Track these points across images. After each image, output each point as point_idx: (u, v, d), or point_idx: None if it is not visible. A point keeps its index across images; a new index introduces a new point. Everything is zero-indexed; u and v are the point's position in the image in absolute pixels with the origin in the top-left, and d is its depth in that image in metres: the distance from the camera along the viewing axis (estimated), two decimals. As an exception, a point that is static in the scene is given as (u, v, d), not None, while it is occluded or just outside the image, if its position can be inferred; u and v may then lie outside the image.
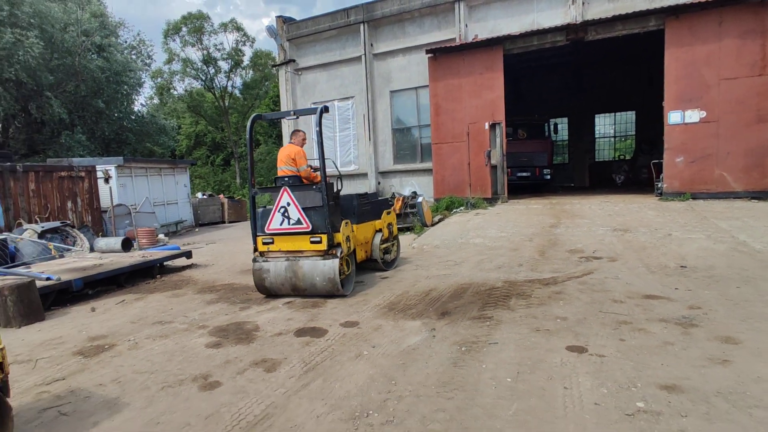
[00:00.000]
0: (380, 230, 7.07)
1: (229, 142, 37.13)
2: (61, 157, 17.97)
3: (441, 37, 14.21)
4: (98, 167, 12.84)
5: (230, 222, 20.38)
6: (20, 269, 7.12)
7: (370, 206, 6.95)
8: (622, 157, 22.97)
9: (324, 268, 5.47)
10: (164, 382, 3.51)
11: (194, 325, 4.99)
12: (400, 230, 11.77)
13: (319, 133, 5.65)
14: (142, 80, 29.40)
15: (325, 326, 4.63)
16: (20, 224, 9.57)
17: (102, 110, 22.47)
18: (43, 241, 8.97)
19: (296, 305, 5.50)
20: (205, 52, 34.71)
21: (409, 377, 3.32)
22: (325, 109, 5.81)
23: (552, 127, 18.82)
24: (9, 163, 10.50)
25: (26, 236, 8.89)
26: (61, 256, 8.82)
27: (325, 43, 16.16)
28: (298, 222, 5.53)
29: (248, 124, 6.13)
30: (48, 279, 6.24)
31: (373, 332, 4.38)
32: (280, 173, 6.09)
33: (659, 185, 11.91)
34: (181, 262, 9.17)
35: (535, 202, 13.14)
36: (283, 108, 17.31)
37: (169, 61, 33.58)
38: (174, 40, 33.55)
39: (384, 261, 7.12)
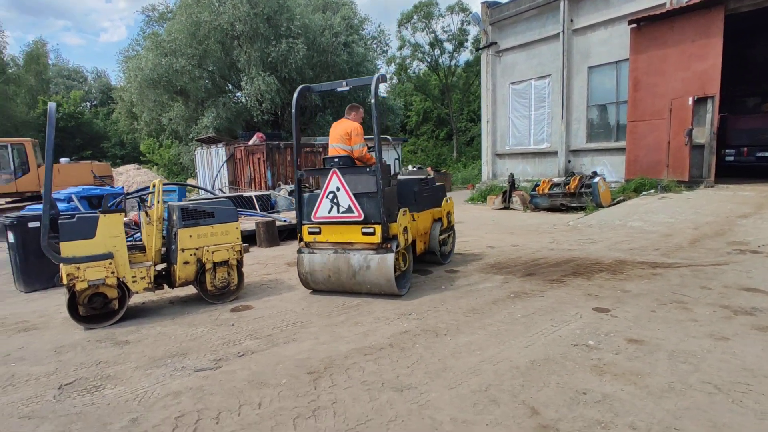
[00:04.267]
0: (439, 219, 6.49)
1: (451, 119, 39.87)
2: (316, 135, 23.47)
3: (649, 3, 13.07)
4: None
5: (434, 192, 23.06)
6: (273, 214, 10.83)
7: (430, 192, 6.34)
8: None
9: (377, 264, 4.82)
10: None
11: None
12: (572, 209, 12.07)
13: (376, 106, 4.78)
14: (379, 67, 34.52)
15: (434, 270, 6.26)
16: (279, 185, 13.88)
17: (345, 95, 27.75)
18: (290, 197, 12.92)
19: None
20: (432, 35, 37.96)
21: (454, 303, 4.74)
22: (382, 78, 4.97)
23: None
24: (276, 142, 15.07)
25: (281, 193, 12.98)
26: (300, 208, 12.59)
27: (525, 23, 16.59)
28: (349, 210, 4.90)
29: (294, 95, 5.27)
30: (284, 221, 9.54)
31: (461, 277, 5.81)
32: (331, 152, 5.44)
33: None
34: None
35: (751, 189, 11.31)
36: (483, 89, 18.58)
37: (400, 48, 38.03)
38: (406, 28, 37.78)
39: (441, 253, 6.51)
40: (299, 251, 5.31)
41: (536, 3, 15.88)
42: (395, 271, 4.89)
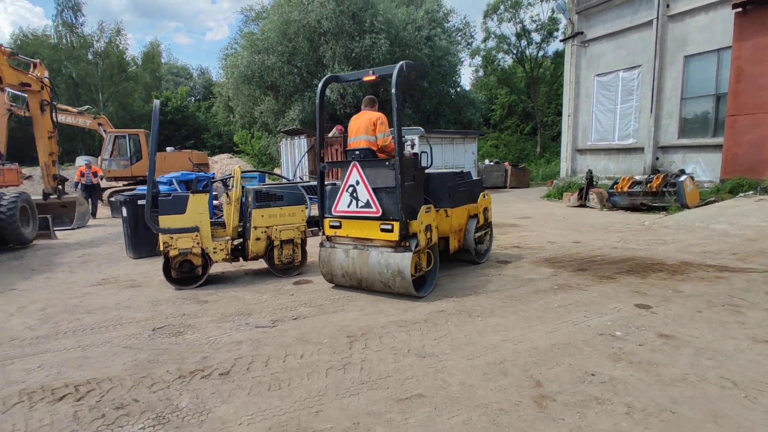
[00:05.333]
0: (475, 216, 6.17)
1: (536, 112, 38.42)
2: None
3: (759, -15, 11.80)
4: (406, 137, 17.26)
5: (511, 187, 22.63)
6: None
7: (465, 187, 6.04)
8: None
9: (393, 263, 4.58)
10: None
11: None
12: (654, 209, 11.41)
13: (397, 97, 4.45)
14: (462, 59, 34.24)
15: (489, 262, 6.45)
16: (354, 175, 14.59)
17: (425, 89, 28.01)
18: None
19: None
20: (519, 25, 36.76)
21: (496, 290, 4.96)
22: (406, 66, 4.58)
23: None
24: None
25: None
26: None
27: (615, 10, 15.69)
28: (367, 205, 4.70)
29: (320, 86, 5.18)
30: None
31: (511, 268, 5.97)
32: (352, 145, 5.19)
33: None
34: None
35: None
36: (566, 81, 17.88)
37: (485, 40, 37.31)
38: (492, 19, 36.94)
39: (477, 252, 6.19)
40: (321, 245, 5.20)
41: (628, -11, 14.96)
42: (416, 272, 4.68)
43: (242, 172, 5.88)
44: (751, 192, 11.13)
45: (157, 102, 5.12)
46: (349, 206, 4.86)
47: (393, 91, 4.44)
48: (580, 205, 13.62)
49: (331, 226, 5.07)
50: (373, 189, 4.69)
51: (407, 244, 4.60)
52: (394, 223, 4.56)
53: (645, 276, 5.47)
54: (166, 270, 5.32)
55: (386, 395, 2.81)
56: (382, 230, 4.64)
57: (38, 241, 9.07)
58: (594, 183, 14.02)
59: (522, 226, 9.96)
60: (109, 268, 6.73)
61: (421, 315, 4.24)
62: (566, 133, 17.85)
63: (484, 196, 6.42)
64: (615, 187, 12.65)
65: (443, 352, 3.42)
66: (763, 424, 2.44)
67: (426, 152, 5.36)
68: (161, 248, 5.20)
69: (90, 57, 37.47)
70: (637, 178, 12.65)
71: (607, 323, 3.90)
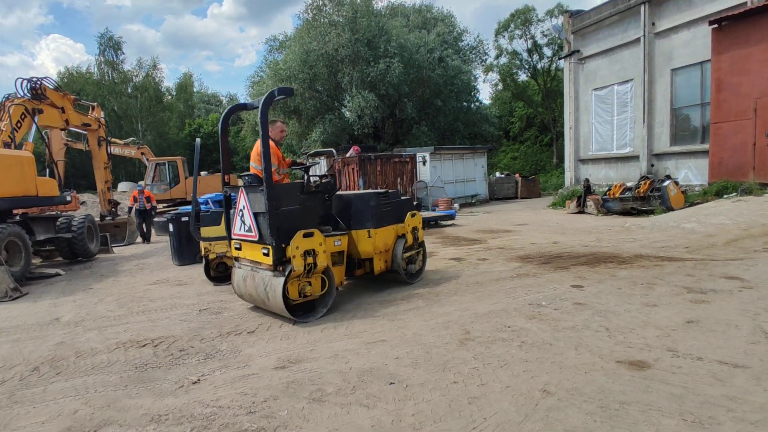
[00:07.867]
0: (403, 236, 6.05)
1: (551, 124, 39.19)
2: (414, 146, 25.41)
3: (731, 2, 12.78)
4: (418, 155, 18.62)
5: (522, 198, 23.59)
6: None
7: (390, 207, 5.92)
8: None
9: (270, 287, 4.70)
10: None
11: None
12: (643, 213, 12.32)
13: (264, 124, 4.57)
14: (477, 76, 35.59)
15: (469, 259, 7.67)
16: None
17: (440, 107, 29.38)
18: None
19: (475, 248, 8.64)
20: (530, 41, 37.89)
21: (465, 278, 6.19)
22: (280, 92, 4.64)
23: None
24: (369, 154, 17.29)
25: (368, 198, 15.08)
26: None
27: (607, 29, 16.78)
28: (249, 229, 4.89)
29: (222, 114, 5.54)
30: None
31: (485, 263, 7.17)
32: (251, 170, 5.52)
33: None
34: (454, 221, 13.45)
35: None
36: (566, 96, 18.94)
37: (497, 57, 38.56)
38: (503, 36, 38.23)
39: (407, 272, 6.12)
40: (233, 265, 5.46)
41: (617, 9, 16.07)
42: (301, 296, 4.75)
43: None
44: (733, 194, 11.93)
45: (198, 140, 6.65)
46: (240, 230, 5.07)
47: (260, 118, 4.56)
48: (579, 212, 14.58)
49: (236, 248, 5.30)
50: (254, 214, 4.83)
51: (282, 269, 4.67)
52: (269, 247, 4.67)
53: (595, 266, 6.58)
54: (207, 270, 6.77)
55: (360, 340, 4.10)
56: (263, 254, 4.77)
57: (99, 255, 10.78)
58: (591, 191, 14.98)
59: (515, 231, 11.09)
60: (160, 272, 8.27)
61: (399, 296, 5.52)
62: (569, 144, 18.85)
63: (412, 216, 6.24)
64: (608, 193, 13.61)
65: (408, 317, 4.68)
66: (608, 348, 3.60)
67: (334, 176, 5.78)
68: (202, 253, 6.66)
69: (129, 91, 40.61)
70: (629, 184, 13.59)
71: (539, 297, 5.08)
